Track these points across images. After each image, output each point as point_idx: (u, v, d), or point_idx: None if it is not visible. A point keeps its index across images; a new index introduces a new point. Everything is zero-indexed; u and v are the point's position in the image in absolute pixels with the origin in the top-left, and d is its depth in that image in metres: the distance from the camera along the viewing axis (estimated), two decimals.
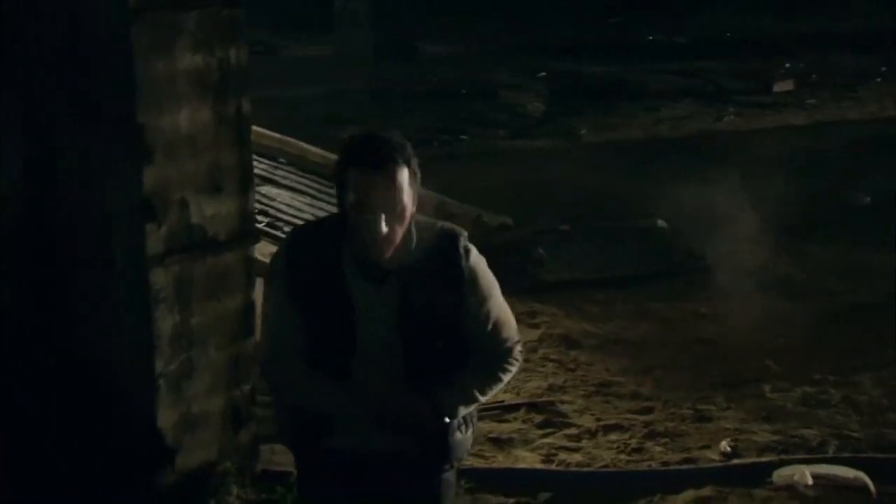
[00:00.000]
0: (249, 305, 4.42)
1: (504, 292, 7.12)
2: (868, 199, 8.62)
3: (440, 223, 2.96)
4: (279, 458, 4.85)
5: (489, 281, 2.99)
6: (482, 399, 3.02)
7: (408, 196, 2.76)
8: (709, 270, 7.34)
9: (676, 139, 10.44)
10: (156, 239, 3.98)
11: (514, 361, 3.06)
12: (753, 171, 8.83)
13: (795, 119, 10.88)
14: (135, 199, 3.89)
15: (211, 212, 4.15)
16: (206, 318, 4.26)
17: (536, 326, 6.51)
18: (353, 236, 2.79)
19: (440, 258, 2.87)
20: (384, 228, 2.72)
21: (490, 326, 2.98)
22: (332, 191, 7.68)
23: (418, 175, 2.82)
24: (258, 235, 4.64)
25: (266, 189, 7.67)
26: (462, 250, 2.89)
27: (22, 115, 4.05)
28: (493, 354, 3.02)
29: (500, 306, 3.03)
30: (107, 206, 3.96)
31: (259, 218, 7.03)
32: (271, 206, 7.44)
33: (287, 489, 4.60)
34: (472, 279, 2.92)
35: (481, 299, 2.94)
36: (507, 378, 3.07)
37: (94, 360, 4.14)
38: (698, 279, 7.24)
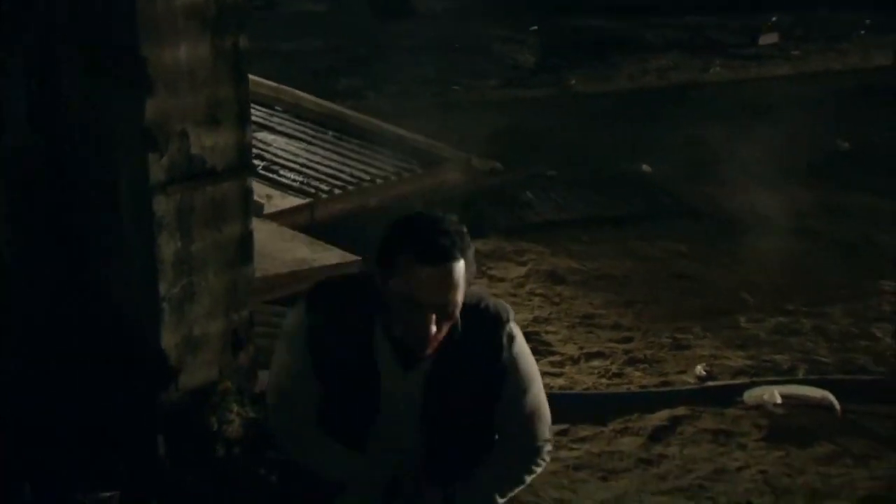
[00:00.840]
0: (247, 234, 4.61)
1: (493, 233, 7.35)
2: (847, 145, 8.81)
3: (485, 301, 2.72)
4: None
5: (529, 374, 2.78)
6: (500, 502, 2.82)
7: (462, 293, 2.55)
8: (691, 212, 7.54)
9: (664, 89, 10.58)
10: (158, 168, 4.16)
11: (542, 462, 2.88)
12: (737, 119, 9.01)
13: (780, 70, 11.03)
14: (137, 130, 4.07)
15: (210, 143, 4.33)
16: (205, 245, 4.45)
17: (524, 264, 6.72)
18: (390, 319, 2.56)
19: (480, 345, 2.66)
20: (434, 329, 2.51)
21: (523, 419, 2.80)
22: (326, 136, 8.02)
23: (474, 267, 2.63)
24: (255, 168, 4.82)
25: (262, 135, 7.88)
26: (506, 340, 2.69)
27: (24, 52, 4.23)
28: (521, 452, 2.84)
29: (536, 400, 2.82)
30: (111, 137, 4.16)
31: (255, 162, 7.26)
32: (267, 152, 7.65)
33: None
34: (512, 372, 2.72)
35: (518, 393, 2.75)
36: (529, 479, 2.87)
37: (102, 282, 4.37)
38: (681, 221, 7.43)
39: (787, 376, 5.23)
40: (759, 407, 4.95)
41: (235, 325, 4.67)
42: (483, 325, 2.68)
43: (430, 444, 2.71)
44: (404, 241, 2.54)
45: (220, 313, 4.59)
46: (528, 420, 2.80)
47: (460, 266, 2.54)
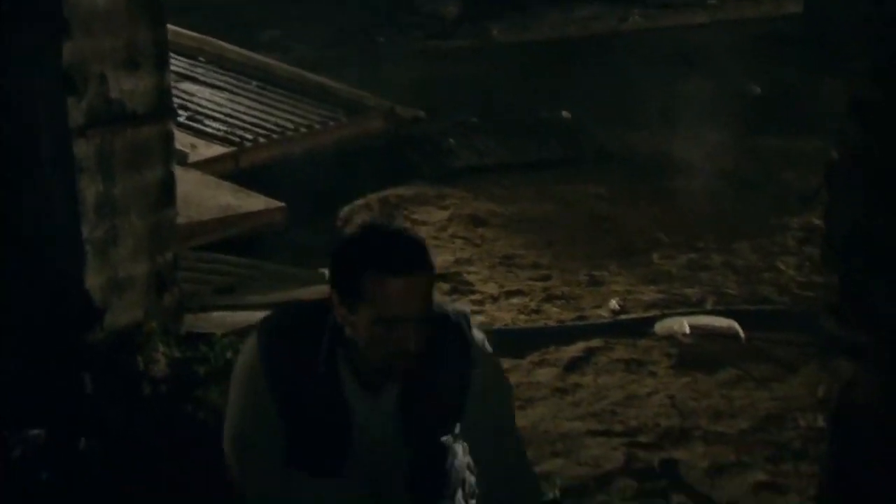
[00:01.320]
0: (169, 178, 4.68)
1: (416, 179, 7.39)
2: (759, 89, 9.05)
3: (451, 313, 2.46)
4: (202, 323, 5.18)
5: (502, 405, 2.55)
6: None
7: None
8: (610, 157, 7.72)
9: (584, 38, 10.73)
10: (77, 111, 4.20)
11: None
12: (656, 66, 9.19)
13: (697, 18, 11.25)
14: (56, 73, 4.10)
15: (129, 87, 4.37)
16: (127, 189, 4.50)
17: (446, 208, 6.84)
18: (355, 353, 2.34)
19: (446, 356, 2.43)
20: (418, 344, 2.27)
21: (503, 463, 2.55)
22: (250, 86, 8.03)
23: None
24: (175, 112, 4.87)
25: (186, 86, 7.87)
26: (473, 351, 2.45)
27: None
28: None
29: (514, 441, 2.59)
30: (31, 81, 4.18)
31: (180, 112, 7.27)
32: (191, 102, 7.65)
33: (209, 347, 4.92)
34: (481, 396, 2.47)
35: (489, 424, 2.50)
36: None
37: (26, 226, 4.40)
38: (599, 165, 7.62)
39: (696, 308, 5.43)
40: (670, 337, 5.14)
41: (160, 267, 4.74)
42: (449, 341, 2.44)
43: (412, 464, 2.47)
44: (367, 258, 2.27)
45: (144, 255, 4.66)
46: (510, 465, 2.57)
47: (433, 272, 2.32)
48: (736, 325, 5.14)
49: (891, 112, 2.64)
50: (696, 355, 4.99)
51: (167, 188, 4.66)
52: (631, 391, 4.75)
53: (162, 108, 4.56)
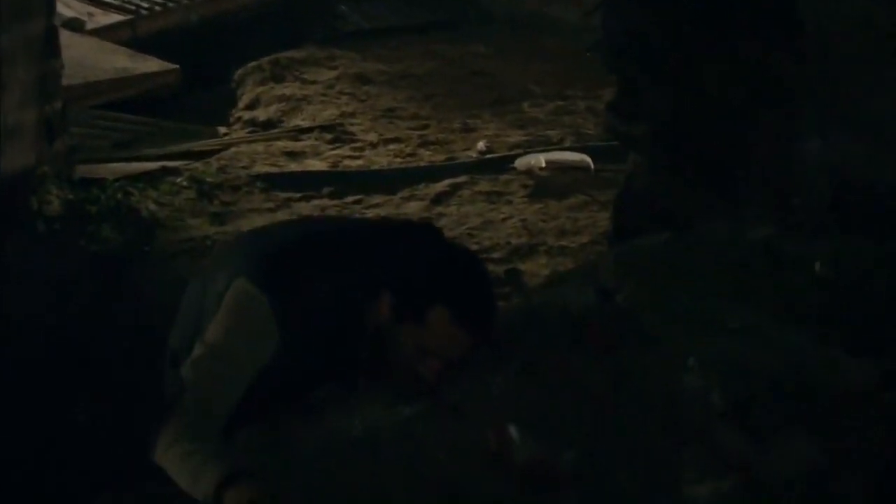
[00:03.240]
0: (52, 29, 4.90)
1: (308, 42, 7.56)
2: None
3: None
4: (97, 170, 5.45)
5: None
6: None
7: None
8: (491, 19, 7.98)
9: None
10: None
11: None
12: None
13: None
14: None
15: None
16: (12, 40, 4.72)
17: (335, 68, 7.08)
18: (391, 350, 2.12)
19: None
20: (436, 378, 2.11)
21: None
22: None
23: None
24: None
25: None
26: None
27: None
28: None
29: None
30: None
31: None
32: None
33: (101, 191, 5.20)
34: None
35: None
36: None
37: None
38: (482, 27, 7.86)
39: (555, 146, 5.81)
40: (528, 172, 5.51)
41: (48, 115, 4.98)
42: None
43: None
44: (447, 292, 2.08)
45: (33, 104, 4.89)
46: None
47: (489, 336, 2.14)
48: (588, 159, 5.52)
49: None
50: (550, 185, 5.37)
51: (50, 40, 4.88)
52: (489, 218, 5.13)
53: None
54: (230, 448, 2.01)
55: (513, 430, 2.02)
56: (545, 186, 5.35)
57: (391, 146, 6.02)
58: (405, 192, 5.41)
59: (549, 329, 2.28)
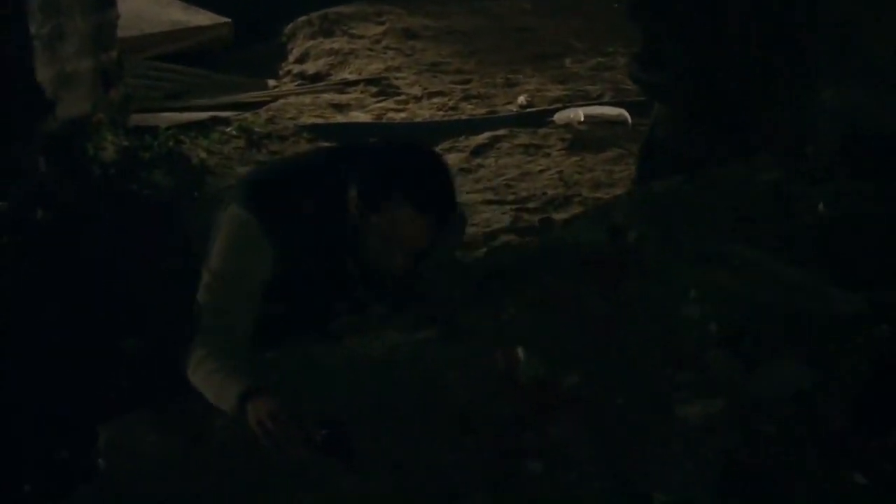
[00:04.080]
0: None
1: None
2: None
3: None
4: (150, 119, 5.62)
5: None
6: None
7: None
8: None
9: None
10: None
11: None
12: None
13: None
14: None
15: None
16: None
17: (382, 23, 7.18)
18: (356, 241, 2.22)
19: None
20: (409, 265, 2.20)
21: None
22: None
23: None
24: None
25: None
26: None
27: None
28: None
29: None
30: None
31: None
32: None
33: (154, 138, 5.38)
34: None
35: None
36: None
37: None
38: None
39: (594, 101, 5.87)
40: (567, 125, 5.59)
41: (104, 64, 5.16)
42: None
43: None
44: (401, 184, 2.15)
45: (89, 53, 5.07)
46: None
47: (455, 213, 2.25)
48: (625, 113, 5.58)
49: None
50: (588, 139, 5.45)
51: None
52: (526, 169, 5.22)
53: None
54: (251, 365, 2.13)
55: (520, 352, 2.14)
56: (583, 140, 5.43)
57: (434, 100, 6.12)
58: (446, 144, 5.52)
59: (560, 263, 2.39)
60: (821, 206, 2.43)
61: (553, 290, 2.32)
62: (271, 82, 6.54)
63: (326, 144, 5.22)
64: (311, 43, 6.87)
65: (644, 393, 2.03)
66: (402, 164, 2.21)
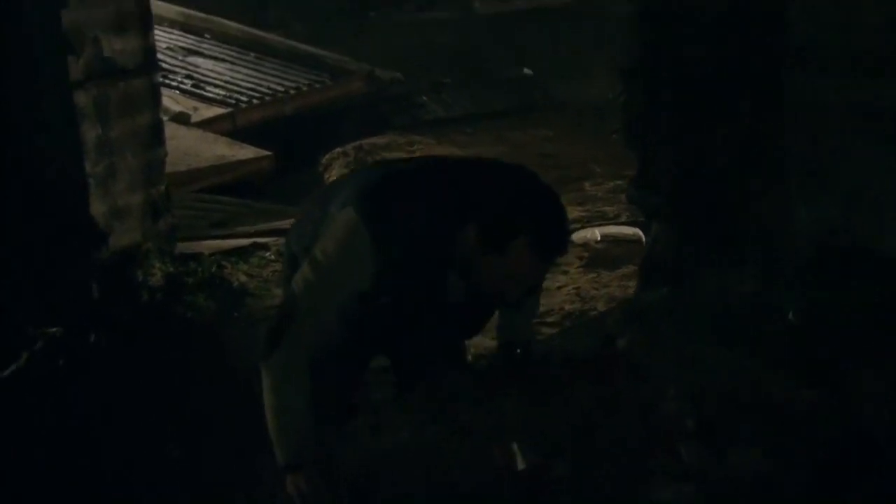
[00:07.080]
0: (157, 122, 5.46)
1: (389, 130, 8.12)
2: None
3: None
4: (194, 247, 5.97)
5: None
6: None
7: None
8: (560, 106, 8.42)
9: (559, 7, 11.37)
10: (76, 68, 4.98)
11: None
12: (609, 31, 9.83)
13: None
14: (56, 37, 4.88)
15: (119, 47, 5.14)
16: (122, 132, 5.27)
17: (412, 153, 7.58)
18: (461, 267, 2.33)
19: None
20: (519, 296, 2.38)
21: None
22: (248, 57, 8.78)
23: None
24: (160, 67, 5.64)
25: (192, 59, 8.66)
26: None
27: None
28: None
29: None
30: (36, 45, 4.96)
31: (185, 81, 8.07)
32: (196, 72, 8.44)
33: (198, 264, 5.71)
34: None
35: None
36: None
37: (40, 166, 5.18)
38: (550, 113, 8.32)
39: (610, 221, 6.16)
40: (584, 244, 5.87)
41: (153, 197, 5.52)
42: None
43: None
44: (531, 229, 2.26)
45: (139, 188, 5.44)
46: None
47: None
48: (640, 232, 5.84)
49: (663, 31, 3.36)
50: (604, 257, 5.71)
51: (156, 131, 5.43)
52: (545, 286, 5.47)
53: (148, 64, 5.32)
54: (312, 427, 2.27)
55: (514, 446, 2.38)
56: (599, 258, 5.70)
57: None
58: None
59: (553, 367, 2.64)
60: (790, 315, 2.66)
61: (544, 387, 2.55)
62: None
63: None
64: (346, 172, 7.26)
65: (624, 477, 2.25)
66: (530, 208, 2.32)
